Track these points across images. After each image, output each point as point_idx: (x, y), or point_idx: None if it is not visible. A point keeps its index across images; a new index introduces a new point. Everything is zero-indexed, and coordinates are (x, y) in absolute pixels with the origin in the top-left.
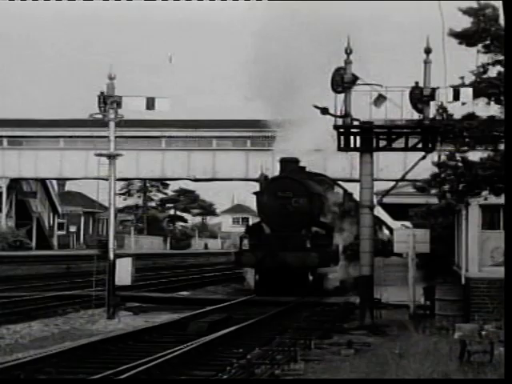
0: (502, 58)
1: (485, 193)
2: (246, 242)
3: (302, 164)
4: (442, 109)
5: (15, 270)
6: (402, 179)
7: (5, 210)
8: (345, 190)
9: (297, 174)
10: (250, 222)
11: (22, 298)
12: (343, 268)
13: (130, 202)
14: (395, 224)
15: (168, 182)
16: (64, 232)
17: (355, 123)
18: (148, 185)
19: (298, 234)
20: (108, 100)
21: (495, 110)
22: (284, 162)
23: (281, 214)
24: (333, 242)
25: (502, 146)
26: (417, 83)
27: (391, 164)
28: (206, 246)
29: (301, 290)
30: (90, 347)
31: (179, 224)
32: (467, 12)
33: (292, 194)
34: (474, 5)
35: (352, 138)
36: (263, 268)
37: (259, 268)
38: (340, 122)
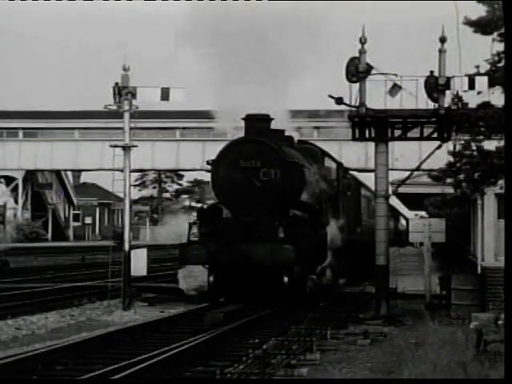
0: None
1: (501, 182)
2: (195, 230)
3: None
4: (457, 98)
5: (31, 261)
6: (418, 169)
7: (21, 201)
8: (339, 163)
9: (267, 137)
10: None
11: (40, 288)
12: (332, 265)
13: (145, 193)
14: (410, 214)
15: (183, 172)
16: (79, 223)
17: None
18: (163, 176)
19: (267, 219)
20: (123, 91)
21: None
22: (250, 119)
23: (244, 190)
24: (319, 231)
25: None
26: (432, 72)
27: (406, 153)
28: None
29: (272, 295)
30: (106, 338)
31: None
32: (482, 0)
33: (260, 163)
34: None
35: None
36: (218, 266)
37: (212, 266)
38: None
